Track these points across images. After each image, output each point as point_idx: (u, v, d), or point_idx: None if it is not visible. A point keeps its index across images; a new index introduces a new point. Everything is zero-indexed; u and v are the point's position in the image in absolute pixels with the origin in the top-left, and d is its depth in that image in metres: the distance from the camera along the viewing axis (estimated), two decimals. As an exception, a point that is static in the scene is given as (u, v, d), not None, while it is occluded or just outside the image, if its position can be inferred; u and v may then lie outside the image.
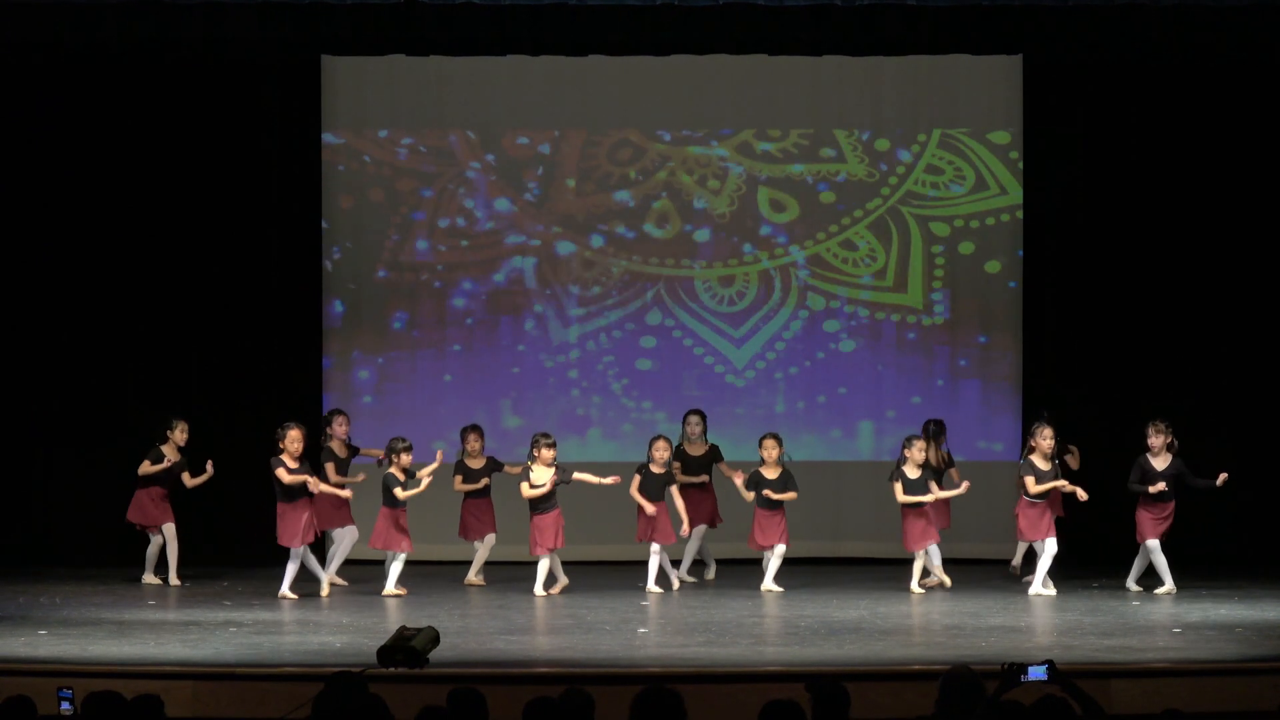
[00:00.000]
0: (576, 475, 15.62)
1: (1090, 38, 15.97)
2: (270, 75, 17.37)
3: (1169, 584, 15.42)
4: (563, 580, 15.59)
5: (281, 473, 15.12)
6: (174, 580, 16.01)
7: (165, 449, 16.09)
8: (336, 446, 16.24)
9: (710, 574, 16.57)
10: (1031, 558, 15.87)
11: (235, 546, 16.77)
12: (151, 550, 16.15)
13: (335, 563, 15.84)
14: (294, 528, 15.14)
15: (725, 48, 16.56)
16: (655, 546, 15.80)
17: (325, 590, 15.48)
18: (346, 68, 17.62)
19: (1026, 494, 15.44)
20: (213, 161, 17.37)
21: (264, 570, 15.92)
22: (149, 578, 16.06)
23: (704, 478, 16.41)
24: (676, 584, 15.96)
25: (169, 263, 17.36)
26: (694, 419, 16.63)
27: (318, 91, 17.60)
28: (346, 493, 15.75)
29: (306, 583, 15.45)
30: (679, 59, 17.08)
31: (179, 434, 16.14)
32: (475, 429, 16.32)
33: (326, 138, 17.67)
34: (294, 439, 15.23)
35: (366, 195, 17.76)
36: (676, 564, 16.21)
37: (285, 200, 17.50)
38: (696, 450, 16.53)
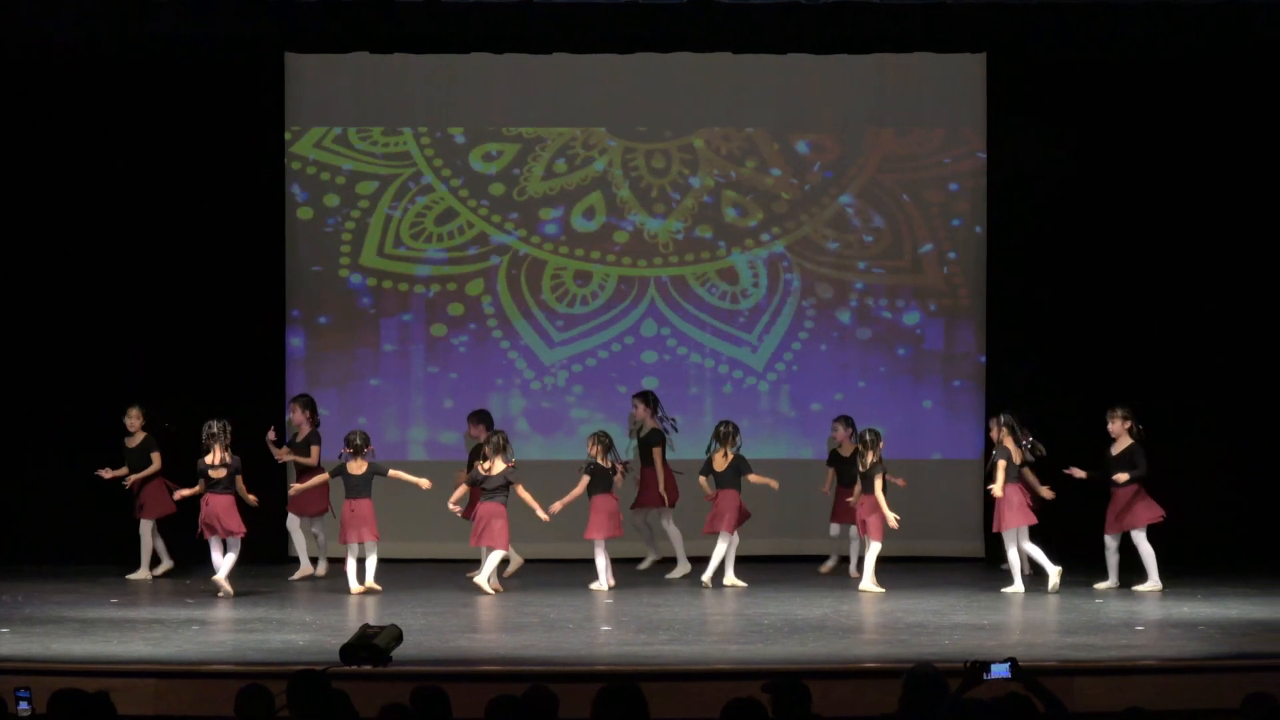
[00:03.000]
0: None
1: (1055, 35, 16.00)
2: (234, 72, 17.28)
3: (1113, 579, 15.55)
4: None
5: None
6: (146, 573, 16.09)
7: (146, 436, 16.18)
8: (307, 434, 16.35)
9: (644, 565, 16.64)
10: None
11: (199, 544, 16.68)
12: (147, 543, 16.17)
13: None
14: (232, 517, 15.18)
15: (690, 45, 16.56)
16: (601, 543, 15.72)
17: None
18: (310, 65, 17.57)
19: (992, 482, 15.42)
20: (176, 157, 17.28)
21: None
22: (144, 574, 16.13)
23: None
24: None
25: (132, 259, 17.26)
26: (639, 402, 16.68)
27: (281, 88, 17.55)
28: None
29: (263, 578, 15.41)
30: (643, 57, 17.08)
31: (135, 419, 16.19)
32: (480, 414, 16.37)
33: (290, 134, 17.61)
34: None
35: (330, 192, 17.71)
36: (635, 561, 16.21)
37: (249, 197, 17.42)
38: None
